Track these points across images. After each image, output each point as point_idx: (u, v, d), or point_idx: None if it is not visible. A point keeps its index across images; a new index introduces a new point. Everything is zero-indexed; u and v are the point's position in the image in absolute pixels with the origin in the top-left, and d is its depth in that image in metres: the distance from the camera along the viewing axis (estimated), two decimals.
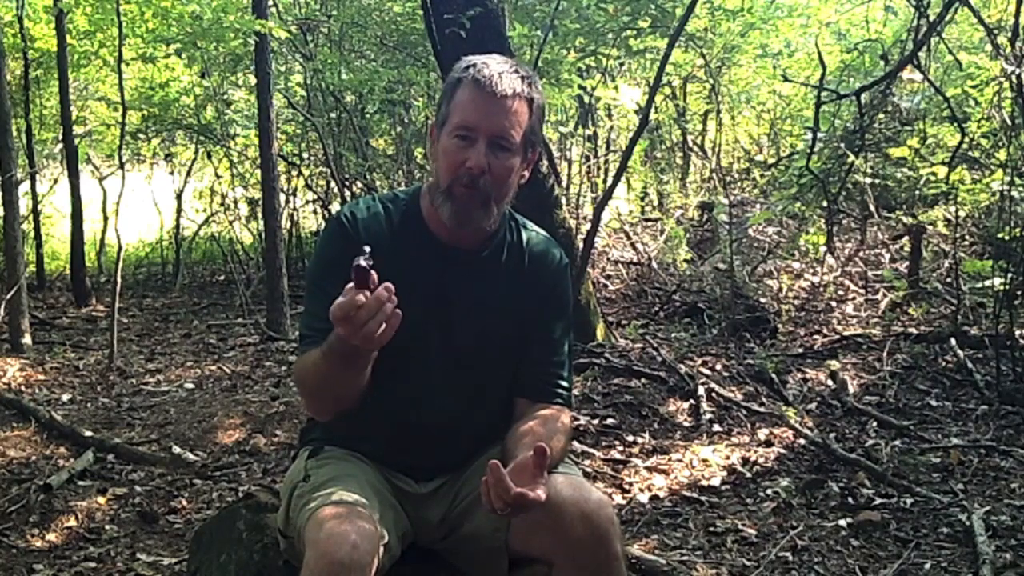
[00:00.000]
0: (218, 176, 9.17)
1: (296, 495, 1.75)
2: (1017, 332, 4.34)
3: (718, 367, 4.68)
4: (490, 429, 1.83)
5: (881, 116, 5.61)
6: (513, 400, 1.84)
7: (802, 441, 3.74)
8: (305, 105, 7.69)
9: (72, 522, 3.21)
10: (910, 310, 5.47)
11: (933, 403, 4.18)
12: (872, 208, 6.19)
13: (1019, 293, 4.42)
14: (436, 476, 1.85)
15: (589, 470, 3.51)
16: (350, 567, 1.48)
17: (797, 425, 3.86)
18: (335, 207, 8.39)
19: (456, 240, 1.78)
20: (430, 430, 1.81)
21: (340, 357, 1.57)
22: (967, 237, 6.26)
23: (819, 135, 4.99)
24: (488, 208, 1.72)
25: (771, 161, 8.41)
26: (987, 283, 4.80)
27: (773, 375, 4.47)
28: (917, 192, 6.02)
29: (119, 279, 5.61)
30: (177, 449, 3.91)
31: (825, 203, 5.63)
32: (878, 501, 3.18)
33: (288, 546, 1.80)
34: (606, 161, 8.65)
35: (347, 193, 7.80)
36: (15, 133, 6.43)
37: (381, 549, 1.56)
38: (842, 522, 3.04)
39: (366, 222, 1.78)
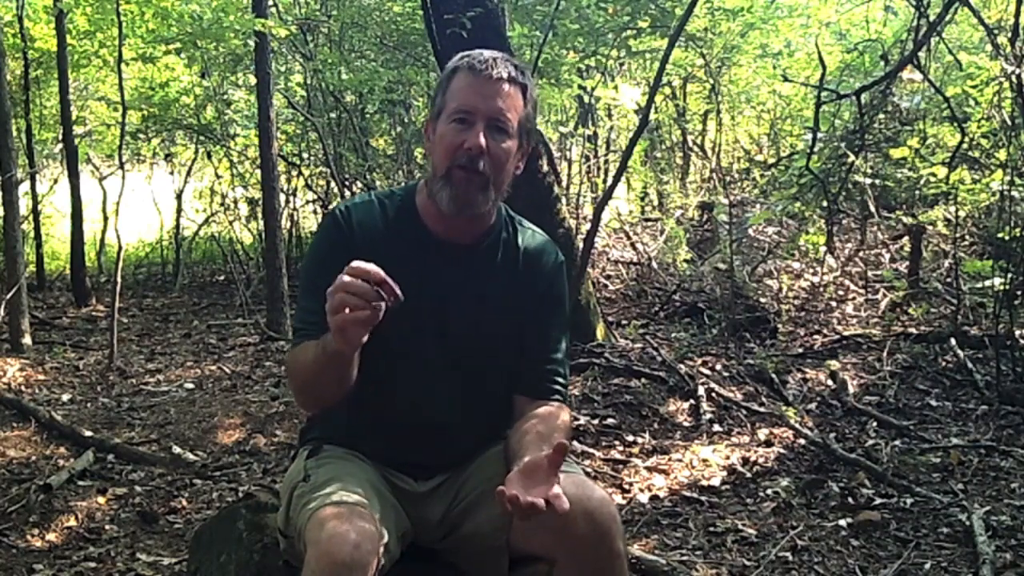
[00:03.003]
0: (218, 176, 9.16)
1: (296, 495, 1.75)
2: (1017, 332, 4.34)
3: (718, 367, 4.68)
4: (489, 427, 1.83)
5: (881, 116, 5.61)
6: (511, 397, 1.85)
7: (802, 441, 3.74)
8: (305, 105, 7.69)
9: (72, 522, 3.20)
10: (910, 310, 5.46)
11: (933, 403, 4.18)
12: (872, 208, 6.19)
13: (1019, 293, 4.42)
14: (435, 474, 1.85)
15: (589, 470, 3.51)
16: (351, 567, 1.48)
17: (797, 425, 3.86)
18: None
19: (452, 236, 1.79)
20: (428, 428, 1.81)
21: (323, 349, 1.59)
22: (967, 237, 6.26)
23: (819, 135, 4.98)
24: (487, 192, 1.72)
25: (771, 161, 8.40)
26: (987, 283, 4.80)
27: (773, 375, 4.47)
28: (917, 192, 6.02)
29: (119, 279, 5.60)
30: (177, 449, 3.91)
31: (825, 203, 5.63)
32: (878, 501, 3.18)
33: (288, 546, 1.80)
34: (606, 161, 8.65)
35: (347, 193, 7.80)
36: (15, 133, 6.43)
37: (381, 549, 1.56)
38: (842, 522, 3.04)
39: (361, 217, 1.79)
